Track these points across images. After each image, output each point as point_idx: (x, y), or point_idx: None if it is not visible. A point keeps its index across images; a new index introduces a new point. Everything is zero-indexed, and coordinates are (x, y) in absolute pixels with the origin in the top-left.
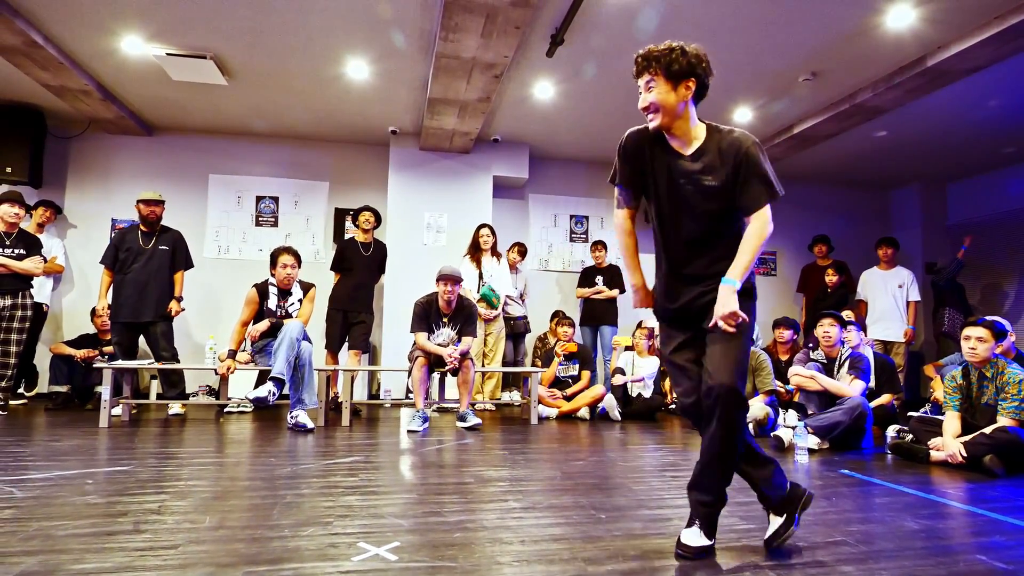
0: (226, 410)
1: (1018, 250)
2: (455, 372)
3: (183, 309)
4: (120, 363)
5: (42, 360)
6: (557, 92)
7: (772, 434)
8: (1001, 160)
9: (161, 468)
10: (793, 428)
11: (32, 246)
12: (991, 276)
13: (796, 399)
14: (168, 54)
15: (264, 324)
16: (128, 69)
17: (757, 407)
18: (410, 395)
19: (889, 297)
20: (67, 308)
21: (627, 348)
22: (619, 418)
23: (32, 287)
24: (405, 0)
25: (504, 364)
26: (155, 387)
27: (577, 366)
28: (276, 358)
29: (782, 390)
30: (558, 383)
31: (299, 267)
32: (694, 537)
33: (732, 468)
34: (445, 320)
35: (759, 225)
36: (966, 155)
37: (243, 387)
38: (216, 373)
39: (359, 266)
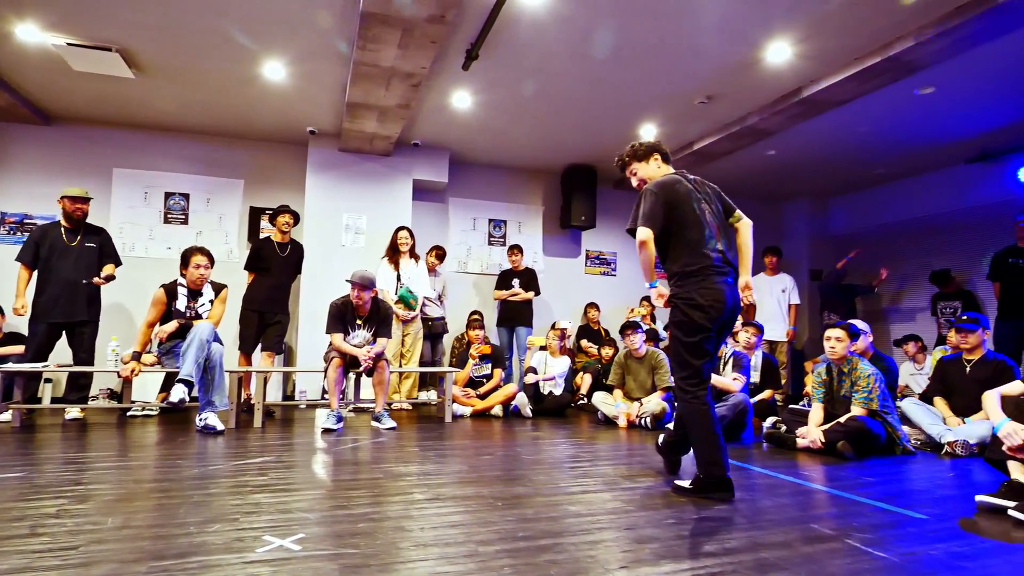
0: (129, 414)
1: (889, 260)
2: (370, 373)
3: (106, 281)
4: (10, 367)
5: None
6: (475, 102)
7: (665, 426)
8: (874, 179)
9: (59, 473)
10: None
11: None
12: (865, 282)
13: None
14: (69, 44)
15: (172, 325)
16: (24, 57)
17: (655, 402)
18: (326, 396)
19: (773, 301)
20: None
21: (541, 348)
22: (531, 415)
23: None
24: (323, 8)
25: (422, 364)
26: (49, 391)
27: (490, 365)
28: (184, 359)
29: None
30: (473, 383)
31: (212, 268)
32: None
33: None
34: (360, 322)
35: None
36: (844, 174)
37: (149, 390)
38: (119, 376)
39: (275, 266)
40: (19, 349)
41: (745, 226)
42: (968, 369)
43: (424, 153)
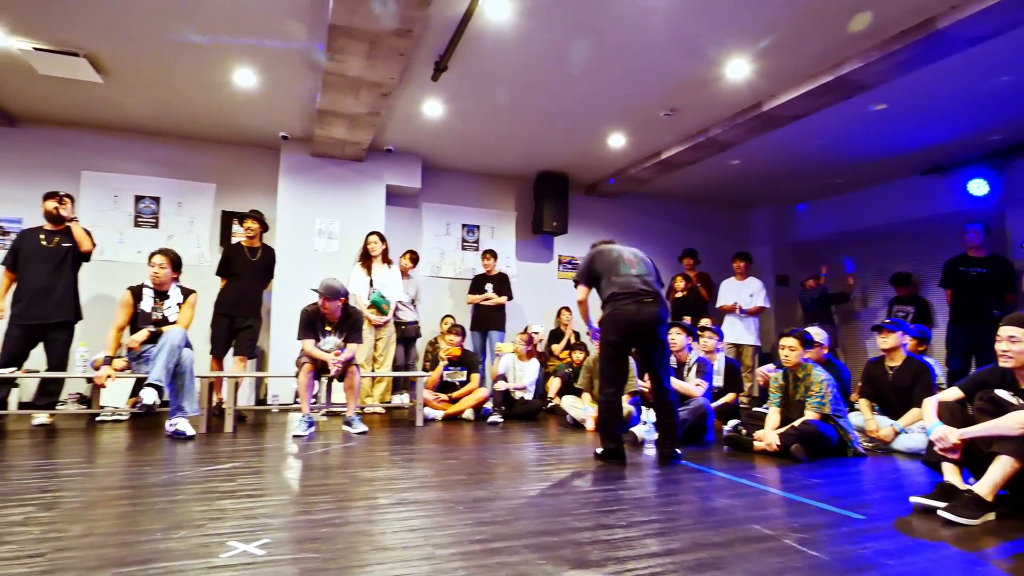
0: (99, 419)
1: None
2: (341, 378)
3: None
4: None
5: None
6: (445, 111)
7: (629, 430)
8: (834, 188)
9: (24, 481)
10: (645, 424)
11: None
12: (837, 291)
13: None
14: (36, 48)
15: (143, 334)
16: None
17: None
18: (298, 400)
19: (742, 305)
20: None
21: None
22: (501, 419)
23: None
24: (290, 18)
25: (395, 368)
26: (15, 396)
27: (465, 372)
28: (155, 364)
29: (645, 390)
30: (446, 386)
31: (176, 270)
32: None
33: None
34: (329, 328)
35: None
36: (805, 183)
37: (119, 395)
38: (89, 381)
39: (245, 271)
40: None
41: None
42: (891, 375)
43: (397, 158)
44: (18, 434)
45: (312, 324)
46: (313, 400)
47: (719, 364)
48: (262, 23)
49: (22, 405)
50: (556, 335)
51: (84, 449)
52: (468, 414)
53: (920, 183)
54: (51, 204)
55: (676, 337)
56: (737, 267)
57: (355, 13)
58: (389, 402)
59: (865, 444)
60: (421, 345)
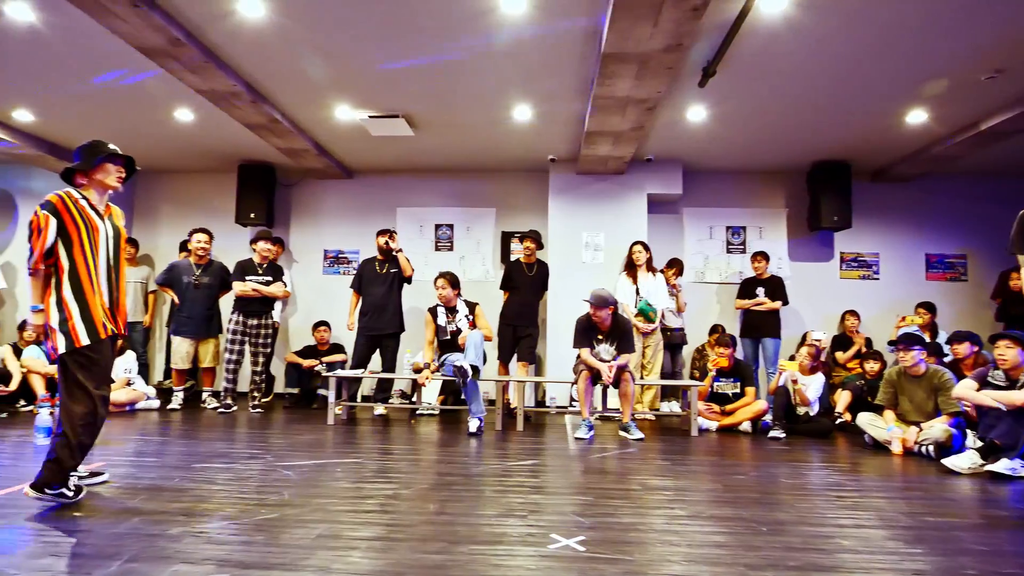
0: (417, 412)
1: None
2: (616, 384)
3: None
4: (341, 372)
5: (274, 368)
6: (709, 115)
7: (944, 460)
8: None
9: (383, 461)
10: (978, 451)
11: (278, 275)
12: None
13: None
14: (370, 116)
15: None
16: (338, 130)
17: (939, 428)
18: (574, 403)
19: None
20: (293, 326)
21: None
22: (783, 435)
23: (274, 309)
24: (565, 55)
25: (663, 375)
26: (360, 390)
27: (739, 383)
28: (468, 353)
29: (969, 410)
30: (716, 397)
31: (455, 287)
32: None
33: None
34: (600, 337)
35: None
36: None
37: (432, 393)
38: (418, 383)
39: (524, 285)
40: (341, 357)
41: None
42: None
43: (656, 167)
44: (364, 421)
45: (586, 333)
46: (589, 405)
47: None
48: (542, 64)
49: (363, 398)
50: (841, 342)
51: (415, 438)
52: (745, 427)
53: None
54: (382, 240)
55: (1006, 352)
56: None
57: (627, 39)
58: (658, 409)
59: None
60: (688, 353)
